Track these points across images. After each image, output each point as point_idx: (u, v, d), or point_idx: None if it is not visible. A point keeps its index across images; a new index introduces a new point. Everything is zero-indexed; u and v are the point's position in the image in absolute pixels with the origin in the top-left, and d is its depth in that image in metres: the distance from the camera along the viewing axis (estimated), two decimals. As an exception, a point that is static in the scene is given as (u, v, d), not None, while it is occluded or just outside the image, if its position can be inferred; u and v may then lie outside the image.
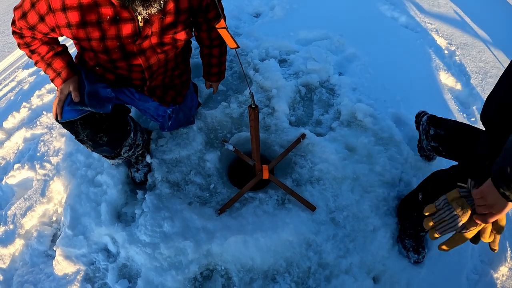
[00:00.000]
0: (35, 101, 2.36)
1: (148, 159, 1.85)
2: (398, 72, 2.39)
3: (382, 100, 2.19)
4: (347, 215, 1.72)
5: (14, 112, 2.31)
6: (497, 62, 2.68)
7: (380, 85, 2.29)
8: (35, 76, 2.65)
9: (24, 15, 1.26)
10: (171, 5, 1.29)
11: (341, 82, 2.27)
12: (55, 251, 1.68)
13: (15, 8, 1.29)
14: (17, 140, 2.20)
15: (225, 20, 1.52)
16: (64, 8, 1.19)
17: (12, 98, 2.52)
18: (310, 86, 2.30)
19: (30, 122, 2.24)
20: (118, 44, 1.31)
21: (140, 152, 1.78)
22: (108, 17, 1.22)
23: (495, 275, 1.68)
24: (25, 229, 1.80)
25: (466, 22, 3.02)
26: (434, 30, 2.81)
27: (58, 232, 1.81)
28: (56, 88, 1.41)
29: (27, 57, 2.86)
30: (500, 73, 2.47)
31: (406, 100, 2.22)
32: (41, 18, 1.24)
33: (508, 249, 1.75)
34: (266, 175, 1.67)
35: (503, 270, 1.69)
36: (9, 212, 1.86)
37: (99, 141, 1.45)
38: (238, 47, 1.00)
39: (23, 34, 1.35)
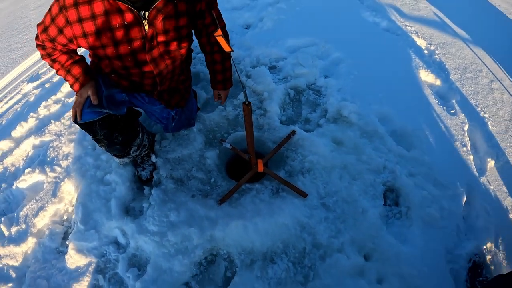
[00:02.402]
0: (42, 111, 2.66)
1: (153, 158, 2.16)
2: (380, 72, 2.76)
3: (365, 98, 2.53)
4: (336, 200, 2.02)
5: (22, 122, 2.60)
6: (476, 58, 3.07)
7: (363, 85, 2.64)
8: (40, 89, 2.96)
9: (45, 29, 1.55)
10: (170, 7, 1.53)
11: (327, 84, 2.64)
12: (67, 246, 1.92)
13: (38, 25, 1.59)
14: (26, 148, 2.47)
15: (224, 27, 1.87)
16: (80, 20, 1.46)
17: (18, 109, 2.82)
18: (298, 89, 2.66)
19: (38, 130, 2.53)
20: (129, 48, 1.56)
21: (146, 152, 2.09)
22: (117, 24, 1.48)
23: (481, 249, 1.96)
24: (37, 228, 2.05)
25: (445, 23, 3.43)
26: (414, 32, 3.22)
27: (69, 230, 2.07)
28: (75, 92, 1.68)
29: (31, 71, 3.21)
30: (480, 69, 2.86)
31: (388, 97, 2.58)
32: (60, 31, 1.52)
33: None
34: (261, 168, 1.99)
35: (489, 245, 1.99)
36: (21, 214, 2.11)
37: (115, 140, 1.74)
38: (232, 50, 1.37)
39: (45, 46, 1.63)
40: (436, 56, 2.99)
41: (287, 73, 2.71)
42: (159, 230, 1.89)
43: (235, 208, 1.97)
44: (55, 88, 2.90)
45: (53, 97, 2.78)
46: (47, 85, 2.99)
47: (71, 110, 1.68)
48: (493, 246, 2.00)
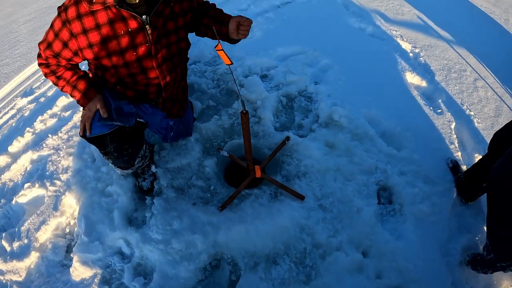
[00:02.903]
0: (39, 126, 2.72)
1: (153, 169, 2.26)
2: (368, 77, 2.92)
3: (355, 102, 2.68)
4: (332, 201, 2.15)
5: (18, 137, 2.65)
6: (460, 59, 3.25)
7: (352, 89, 2.80)
8: (35, 103, 3.02)
9: (49, 45, 1.59)
10: (167, 10, 1.63)
11: (317, 90, 2.79)
12: (71, 259, 1.98)
13: (40, 43, 1.64)
14: (24, 163, 2.53)
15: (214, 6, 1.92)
16: (85, 31, 1.52)
17: (14, 124, 2.87)
18: (290, 96, 2.81)
19: (35, 145, 2.59)
20: (135, 54, 1.63)
21: (147, 163, 2.19)
22: (122, 32, 1.55)
23: (473, 241, 2.10)
24: (39, 242, 2.10)
25: (429, 26, 3.62)
26: (399, 36, 3.39)
27: (72, 242, 2.12)
28: (83, 107, 1.72)
29: (24, 86, 3.26)
30: (464, 68, 3.04)
31: (376, 100, 2.73)
32: (65, 44, 1.56)
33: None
34: (258, 173, 2.11)
35: (482, 237, 2.12)
36: (22, 228, 2.15)
37: (124, 152, 1.82)
38: (232, 63, 1.50)
39: (49, 63, 1.68)
40: (421, 58, 3.16)
41: (279, 81, 2.85)
42: (163, 238, 1.98)
43: (236, 213, 2.08)
44: (50, 102, 2.97)
45: (49, 111, 2.85)
46: (42, 99, 3.05)
47: (80, 124, 1.74)
48: (484, 238, 2.12)
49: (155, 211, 2.09)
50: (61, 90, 1.77)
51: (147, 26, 1.59)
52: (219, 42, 1.45)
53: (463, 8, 3.98)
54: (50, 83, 3.21)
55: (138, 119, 1.99)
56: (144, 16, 1.57)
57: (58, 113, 2.84)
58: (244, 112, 1.68)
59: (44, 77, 3.25)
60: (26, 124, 2.81)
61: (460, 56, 3.26)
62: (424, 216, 2.16)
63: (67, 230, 2.20)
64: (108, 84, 1.79)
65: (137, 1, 1.52)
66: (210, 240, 1.96)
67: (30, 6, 5.09)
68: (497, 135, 1.99)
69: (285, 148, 2.39)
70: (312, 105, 2.72)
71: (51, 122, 2.77)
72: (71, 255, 2.03)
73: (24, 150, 2.61)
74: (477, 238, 2.14)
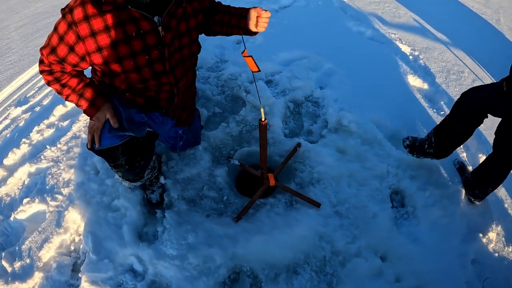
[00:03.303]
0: (35, 137, 2.61)
1: (162, 180, 2.19)
2: (371, 80, 2.96)
3: (361, 107, 2.71)
4: (348, 207, 2.16)
5: (14, 149, 2.52)
6: (457, 60, 3.34)
7: (357, 94, 2.83)
8: (30, 113, 2.90)
9: (53, 50, 1.47)
10: (180, 10, 1.55)
11: (323, 95, 2.80)
12: (79, 279, 1.89)
13: (42, 48, 1.51)
14: (21, 176, 2.40)
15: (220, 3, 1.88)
16: (93, 33, 1.41)
17: (8, 135, 2.74)
18: (297, 101, 2.81)
19: (33, 157, 2.47)
20: (147, 58, 1.54)
21: (156, 174, 2.13)
22: (133, 33, 1.45)
23: (484, 241, 2.15)
24: (43, 261, 1.99)
25: (425, 28, 3.71)
26: (398, 39, 3.46)
27: (77, 261, 2.03)
28: (90, 117, 1.60)
29: (18, 95, 3.12)
30: (462, 70, 3.11)
31: (381, 104, 2.77)
32: (71, 49, 1.45)
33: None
34: (272, 182, 2.10)
35: (491, 235, 2.18)
36: (23, 247, 2.03)
37: (136, 164, 1.74)
38: (259, 70, 1.47)
39: (53, 70, 1.55)
40: (420, 61, 3.22)
41: (284, 86, 2.85)
42: (179, 253, 1.92)
43: (252, 224, 2.06)
44: (47, 111, 2.85)
45: (46, 121, 2.73)
46: (37, 108, 2.93)
47: (87, 136, 1.61)
48: (495, 236, 2.20)
49: (167, 225, 2.03)
50: (66, 99, 1.64)
51: (160, 28, 1.51)
52: (245, 48, 1.41)
53: (454, 9, 4.11)
54: (46, 92, 3.09)
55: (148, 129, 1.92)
56: (156, 17, 1.48)
57: (56, 123, 2.72)
58: (263, 120, 1.66)
59: (39, 86, 3.16)
60: (21, 135, 2.68)
61: (457, 57, 3.34)
62: (437, 219, 2.19)
63: (72, 248, 2.10)
64: (117, 91, 1.69)
65: (148, 1, 1.43)
66: (228, 253, 1.93)
67: (22, 12, 4.91)
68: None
69: (297, 155, 2.38)
70: (320, 110, 2.73)
71: (49, 132, 2.65)
72: (79, 275, 1.93)
73: (20, 163, 2.49)
74: (486, 237, 2.18)
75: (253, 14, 1.69)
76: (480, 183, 2.23)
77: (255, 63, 1.45)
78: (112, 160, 1.68)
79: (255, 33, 1.79)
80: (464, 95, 2.11)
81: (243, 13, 1.75)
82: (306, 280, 1.90)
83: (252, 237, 1.96)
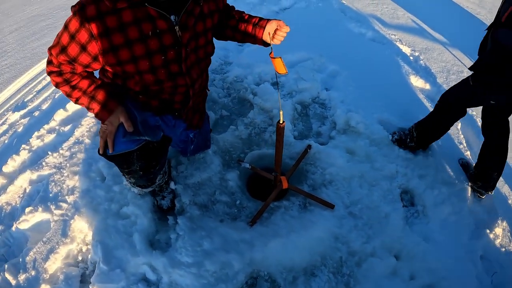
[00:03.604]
0: (35, 142, 2.52)
1: (172, 185, 2.15)
2: (375, 81, 3.00)
3: (367, 108, 2.75)
4: (361, 207, 2.18)
5: (13, 155, 2.44)
6: (456, 60, 3.41)
7: (362, 95, 2.87)
8: (28, 118, 2.81)
9: (63, 49, 1.39)
10: (197, 9, 1.51)
11: (330, 96, 2.83)
12: None
13: (51, 48, 1.43)
14: (22, 184, 2.32)
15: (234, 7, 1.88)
16: (107, 32, 1.34)
17: (6, 141, 2.66)
18: (304, 103, 2.83)
19: (34, 163, 2.39)
20: (163, 58, 1.48)
21: (166, 179, 2.08)
22: (149, 32, 1.39)
23: (491, 236, 2.21)
24: (49, 273, 1.91)
25: (424, 29, 3.79)
26: (398, 40, 3.50)
27: (86, 271, 1.96)
28: (102, 121, 1.53)
29: (15, 99, 3.03)
30: (461, 69, 3.20)
31: (386, 104, 2.82)
32: (83, 48, 1.37)
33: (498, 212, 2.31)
34: (285, 184, 2.09)
35: (497, 231, 2.24)
36: (27, 258, 1.95)
37: (151, 169, 1.69)
38: (286, 73, 1.44)
39: (62, 71, 1.48)
40: (421, 61, 3.28)
41: (291, 88, 2.86)
42: (195, 260, 1.88)
43: (268, 227, 2.04)
44: (47, 116, 2.77)
45: (46, 126, 2.65)
46: (36, 113, 2.84)
47: (100, 141, 1.54)
48: (501, 232, 2.27)
49: (180, 232, 2.00)
50: (76, 102, 1.56)
51: (177, 27, 1.45)
52: (272, 49, 1.39)
53: (450, 10, 4.22)
54: (45, 96, 3.01)
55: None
56: (173, 16, 1.43)
57: (57, 127, 2.64)
58: (281, 122, 1.64)
59: (37, 90, 3.08)
60: (20, 141, 2.58)
61: (456, 58, 3.41)
62: (446, 216, 2.25)
63: (80, 258, 2.02)
64: (130, 93, 1.62)
65: None
66: (246, 258, 1.91)
67: (16, 15, 4.79)
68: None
69: (308, 157, 2.39)
70: (327, 111, 2.75)
71: (49, 138, 2.56)
72: (90, 287, 1.87)
73: (21, 170, 2.40)
74: (493, 233, 2.24)
75: (273, 25, 1.66)
76: (481, 174, 2.32)
77: (283, 64, 1.42)
78: (127, 166, 1.62)
79: (268, 44, 1.75)
80: (443, 95, 2.35)
81: (262, 24, 1.71)
82: (324, 282, 1.90)
83: (269, 241, 1.95)
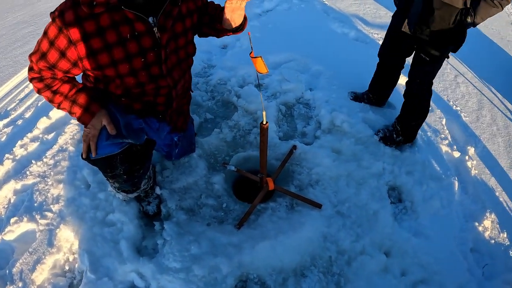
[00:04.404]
0: (19, 152, 2.47)
1: (157, 190, 2.13)
2: (358, 80, 3.01)
3: (351, 107, 2.76)
4: (349, 206, 2.18)
5: None
6: (437, 58, 3.41)
7: (346, 94, 2.88)
8: (11, 127, 2.74)
9: (43, 56, 1.39)
10: (176, 10, 1.50)
11: (314, 96, 2.84)
12: None
13: (31, 55, 1.44)
14: (6, 194, 2.26)
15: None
16: (85, 37, 1.34)
17: None
18: (288, 104, 2.83)
19: (18, 173, 2.34)
20: (143, 60, 1.48)
21: (151, 184, 2.06)
22: (128, 35, 1.39)
23: (480, 229, 2.23)
24: (36, 284, 1.87)
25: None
26: (381, 39, 3.53)
27: (73, 281, 1.92)
28: (85, 125, 1.51)
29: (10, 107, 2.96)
30: (443, 66, 3.25)
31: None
32: (62, 54, 1.38)
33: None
34: (271, 186, 2.08)
35: (486, 223, 2.26)
36: (14, 270, 1.91)
37: (135, 173, 1.67)
38: (267, 72, 1.43)
39: (43, 77, 1.47)
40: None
41: (275, 89, 2.86)
42: (183, 265, 1.86)
43: (255, 230, 2.03)
44: (30, 124, 2.70)
45: (29, 135, 2.59)
46: (19, 122, 2.77)
47: (83, 145, 1.51)
48: (490, 224, 2.29)
49: (167, 237, 1.97)
50: (58, 107, 1.55)
51: (155, 29, 1.45)
52: (252, 49, 1.37)
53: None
54: (28, 104, 2.95)
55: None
56: (151, 18, 1.43)
57: (40, 136, 2.59)
58: (264, 123, 1.64)
59: (20, 98, 3.02)
60: (4, 150, 2.52)
61: (438, 55, 3.41)
62: (435, 211, 2.26)
63: (67, 268, 1.99)
64: (112, 97, 1.61)
65: (141, 0, 1.38)
66: (234, 262, 1.89)
67: None
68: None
69: (293, 158, 2.38)
70: (312, 112, 2.75)
71: (33, 146, 2.51)
72: (78, 297, 1.85)
73: (5, 180, 2.34)
74: (482, 225, 2.27)
75: (226, 12, 1.57)
76: (402, 119, 2.46)
77: (264, 63, 1.41)
78: (110, 169, 1.59)
79: (241, 29, 1.71)
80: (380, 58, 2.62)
81: (221, 15, 1.66)
82: (314, 282, 1.89)
83: (257, 243, 1.93)
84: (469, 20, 1.95)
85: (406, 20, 2.16)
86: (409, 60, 2.45)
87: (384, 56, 2.56)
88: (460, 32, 2.05)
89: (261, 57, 1.41)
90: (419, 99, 2.36)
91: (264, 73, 1.46)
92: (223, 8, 1.65)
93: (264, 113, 1.61)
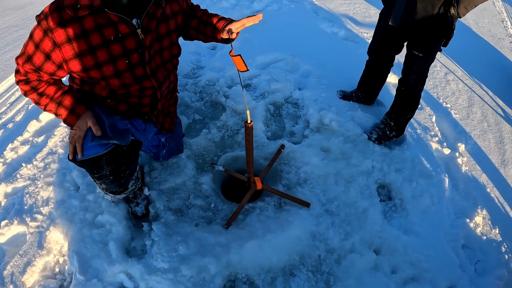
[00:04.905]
0: (9, 155, 2.48)
1: (146, 192, 2.13)
2: (347, 79, 3.03)
3: (340, 105, 2.77)
4: (338, 204, 2.18)
5: None
6: (428, 56, 3.42)
7: (335, 92, 2.89)
8: (2, 130, 2.74)
9: (29, 58, 1.42)
10: (159, 11, 1.51)
11: (303, 96, 2.84)
12: None
13: (18, 57, 1.46)
14: (-3, 197, 2.27)
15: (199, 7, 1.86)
16: (69, 39, 1.36)
17: None
18: (277, 104, 2.84)
19: (8, 176, 2.35)
20: (127, 62, 1.50)
21: (139, 185, 2.07)
22: (112, 37, 1.42)
23: (471, 225, 2.24)
24: (27, 287, 1.87)
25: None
26: (370, 38, 3.51)
27: (64, 283, 1.92)
28: (70, 126, 1.53)
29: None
30: (434, 64, 3.24)
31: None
32: (47, 56, 1.40)
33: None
34: (259, 185, 2.08)
35: (478, 219, 2.27)
36: (5, 273, 1.91)
37: (121, 174, 1.68)
38: (248, 70, 1.43)
39: (29, 79, 1.50)
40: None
41: (263, 89, 2.87)
42: (171, 266, 1.86)
43: (243, 229, 2.03)
44: (20, 128, 2.72)
45: (20, 138, 2.60)
46: (10, 125, 2.78)
47: (69, 147, 1.53)
48: (481, 220, 2.30)
49: (155, 238, 1.97)
50: (44, 109, 1.57)
51: (139, 30, 1.47)
52: (232, 47, 1.38)
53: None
54: (18, 107, 2.96)
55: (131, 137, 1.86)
56: (135, 20, 1.44)
57: (30, 139, 2.60)
58: (248, 122, 1.64)
59: (11, 102, 3.03)
60: (-6, 154, 2.55)
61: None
62: (426, 208, 2.27)
63: (57, 270, 1.99)
64: (98, 99, 1.63)
65: (125, 3, 1.39)
66: (222, 262, 1.89)
67: None
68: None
69: (281, 157, 2.38)
70: (300, 111, 2.76)
71: (23, 149, 2.53)
72: (68, 298, 1.86)
73: (-5, 183, 2.37)
74: (473, 221, 2.27)
75: (235, 27, 1.57)
76: (395, 114, 2.47)
77: (244, 62, 1.41)
78: (96, 170, 1.61)
79: (229, 41, 1.70)
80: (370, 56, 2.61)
81: (219, 26, 1.68)
82: (303, 281, 1.89)
83: (245, 243, 1.93)
84: (452, 11, 1.97)
85: (392, 15, 2.17)
86: (397, 57, 2.45)
87: (374, 53, 2.57)
88: (447, 24, 2.05)
89: (240, 55, 1.41)
90: (414, 92, 2.37)
91: (244, 71, 1.46)
92: (220, 18, 1.70)
93: (248, 112, 1.62)
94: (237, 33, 1.65)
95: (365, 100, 2.81)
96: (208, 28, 1.75)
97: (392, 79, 3.11)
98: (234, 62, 1.46)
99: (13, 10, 4.87)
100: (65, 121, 1.54)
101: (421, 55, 2.18)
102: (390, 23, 2.20)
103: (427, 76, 2.34)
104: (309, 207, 2.12)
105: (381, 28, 2.43)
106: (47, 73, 1.47)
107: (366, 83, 2.74)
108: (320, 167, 2.31)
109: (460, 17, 2.01)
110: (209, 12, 1.82)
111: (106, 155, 1.54)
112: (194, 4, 1.86)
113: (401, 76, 2.39)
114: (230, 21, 1.66)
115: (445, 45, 2.19)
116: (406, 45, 2.30)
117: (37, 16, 1.38)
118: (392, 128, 2.50)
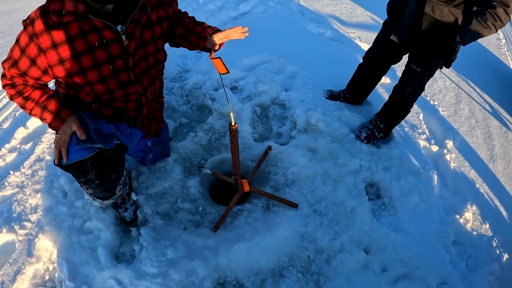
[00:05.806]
0: (-3, 163, 2.47)
1: (133, 196, 2.15)
2: (334, 79, 3.06)
3: (327, 105, 2.80)
4: (326, 204, 2.20)
5: None
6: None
7: (322, 93, 2.91)
8: None
9: (15, 63, 1.45)
10: (144, 17, 1.53)
11: (289, 97, 2.87)
12: None
13: (4, 62, 1.49)
14: (-16, 206, 2.26)
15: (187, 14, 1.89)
16: (54, 45, 1.38)
17: None
18: (264, 105, 2.86)
19: (-5, 185, 2.35)
20: (111, 68, 1.52)
21: (127, 191, 2.08)
22: (96, 43, 1.43)
23: (461, 221, 2.27)
24: None
25: (381, 25, 3.81)
26: (357, 37, 3.57)
27: (54, 290, 1.95)
28: (56, 131, 1.54)
29: None
30: None
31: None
32: (33, 62, 1.42)
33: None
34: (247, 187, 2.10)
35: (468, 215, 2.30)
36: None
37: (107, 178, 1.69)
38: (228, 72, 1.45)
39: (15, 83, 1.52)
40: (380, 56, 3.30)
41: (250, 91, 2.89)
42: (160, 270, 1.87)
43: (231, 232, 2.05)
44: (8, 135, 2.69)
45: (7, 146, 2.58)
46: (-3, 133, 2.78)
47: (54, 151, 1.54)
48: (471, 215, 2.34)
49: (144, 243, 1.98)
50: (30, 113, 1.59)
51: (123, 37, 1.48)
52: (212, 51, 1.39)
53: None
54: (5, 114, 2.94)
55: (117, 141, 1.86)
56: (120, 26, 1.46)
57: (18, 146, 2.59)
58: (233, 124, 1.65)
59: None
60: (-19, 162, 2.54)
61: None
62: (415, 205, 2.29)
63: (47, 277, 1.99)
64: (83, 103, 1.65)
65: (110, 9, 1.40)
66: (211, 265, 1.90)
67: None
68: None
69: (269, 158, 2.40)
70: (287, 112, 2.79)
71: (11, 157, 2.52)
72: (58, 306, 1.86)
73: (-17, 192, 2.36)
74: (463, 217, 2.30)
75: (219, 38, 1.60)
76: (386, 118, 2.50)
77: (224, 64, 1.42)
78: (82, 175, 1.62)
79: (214, 50, 1.73)
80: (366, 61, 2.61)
81: (204, 34, 1.69)
82: (293, 282, 1.91)
83: (233, 246, 1.95)
84: (458, 39, 1.95)
85: (395, 30, 2.19)
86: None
87: (371, 60, 2.56)
88: (450, 48, 2.05)
89: (220, 58, 1.42)
90: (408, 102, 2.39)
91: (225, 74, 1.48)
92: (205, 27, 1.72)
93: (232, 114, 1.63)
94: (221, 45, 1.67)
95: (353, 101, 2.84)
96: (193, 36, 1.77)
97: (382, 79, 3.13)
98: (214, 64, 1.48)
99: (-1, 16, 4.85)
100: (50, 126, 1.56)
101: (419, 70, 2.20)
102: (392, 38, 2.21)
103: (423, 90, 2.35)
104: (297, 208, 2.14)
105: (382, 37, 2.41)
106: (33, 78, 1.49)
107: (356, 85, 2.76)
108: (308, 167, 2.33)
109: (464, 45, 1.99)
110: (196, 19, 1.84)
111: (91, 159, 1.55)
112: (182, 10, 1.88)
113: (397, 83, 2.40)
114: (216, 30, 1.69)
115: (447, 66, 2.18)
116: (407, 59, 2.31)
117: (24, 21, 1.40)
118: (381, 129, 2.53)
